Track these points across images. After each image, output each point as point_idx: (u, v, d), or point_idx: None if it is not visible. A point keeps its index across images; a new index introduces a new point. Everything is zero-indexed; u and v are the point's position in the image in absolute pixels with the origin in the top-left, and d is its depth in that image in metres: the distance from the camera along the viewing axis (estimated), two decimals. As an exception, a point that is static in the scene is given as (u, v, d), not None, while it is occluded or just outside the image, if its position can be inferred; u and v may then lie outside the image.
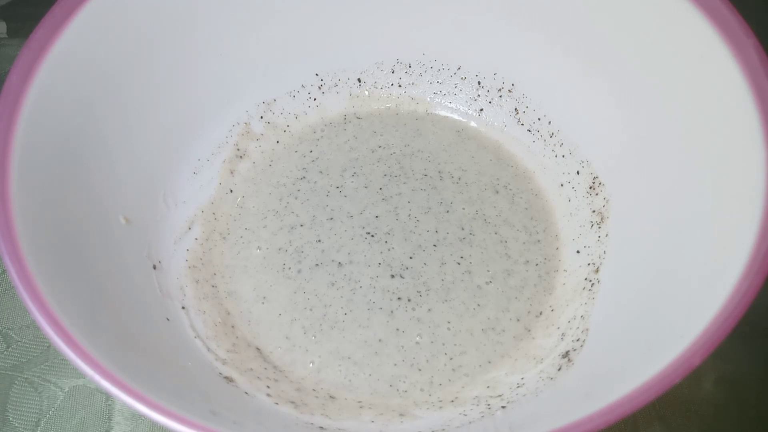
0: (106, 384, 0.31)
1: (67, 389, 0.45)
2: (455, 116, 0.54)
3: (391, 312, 0.45)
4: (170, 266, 0.45)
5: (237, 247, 0.48)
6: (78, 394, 0.45)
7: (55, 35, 0.39)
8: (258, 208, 0.50)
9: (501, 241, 0.48)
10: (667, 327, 0.35)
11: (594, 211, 0.46)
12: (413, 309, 0.45)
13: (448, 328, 0.44)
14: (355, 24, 0.51)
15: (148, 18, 0.43)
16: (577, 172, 0.48)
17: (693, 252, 0.37)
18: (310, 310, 0.45)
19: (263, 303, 0.46)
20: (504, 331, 0.44)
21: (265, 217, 0.49)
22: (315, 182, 0.51)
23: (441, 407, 0.41)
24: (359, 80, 0.54)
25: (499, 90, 0.53)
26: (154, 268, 0.44)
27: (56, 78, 0.39)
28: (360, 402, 0.42)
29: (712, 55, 0.38)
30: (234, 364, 0.42)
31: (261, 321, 0.45)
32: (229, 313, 0.45)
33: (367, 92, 0.55)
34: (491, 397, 0.41)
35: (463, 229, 0.48)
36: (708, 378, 0.46)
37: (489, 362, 0.43)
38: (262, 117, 0.52)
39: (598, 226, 0.46)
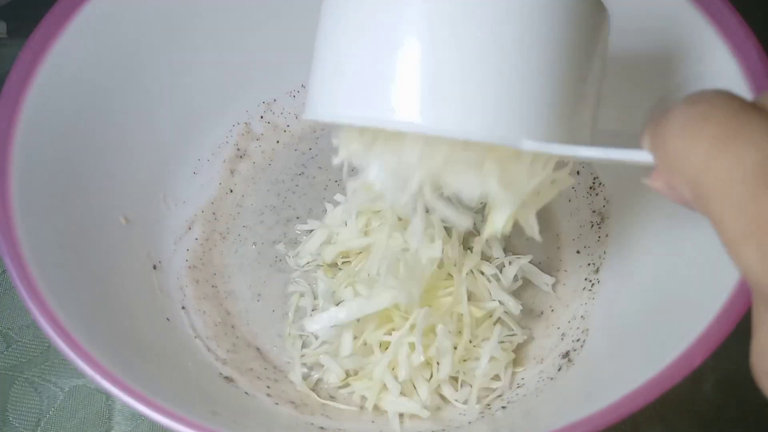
0: (106, 384, 0.31)
1: (67, 389, 0.45)
2: (455, 116, 0.54)
3: (391, 312, 0.45)
4: (170, 266, 0.45)
5: (235, 246, 0.48)
6: (78, 394, 0.45)
7: (55, 35, 0.39)
8: (256, 205, 0.49)
9: (501, 241, 0.48)
10: (667, 327, 0.35)
11: (594, 211, 0.46)
12: (413, 309, 0.45)
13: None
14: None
15: (149, 18, 0.43)
16: (578, 172, 0.48)
17: (693, 252, 0.37)
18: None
19: (258, 300, 0.46)
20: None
21: (263, 213, 0.49)
22: (314, 177, 0.51)
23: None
24: (359, 80, 0.54)
25: (499, 90, 0.52)
26: (154, 268, 0.44)
27: (56, 78, 0.39)
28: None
29: (712, 55, 0.38)
30: (234, 364, 0.42)
31: (258, 319, 0.45)
32: (229, 313, 0.45)
33: (367, 92, 0.54)
34: (491, 397, 0.41)
35: (463, 228, 0.48)
36: (708, 378, 0.45)
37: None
38: (262, 117, 0.52)
39: (598, 226, 0.46)
